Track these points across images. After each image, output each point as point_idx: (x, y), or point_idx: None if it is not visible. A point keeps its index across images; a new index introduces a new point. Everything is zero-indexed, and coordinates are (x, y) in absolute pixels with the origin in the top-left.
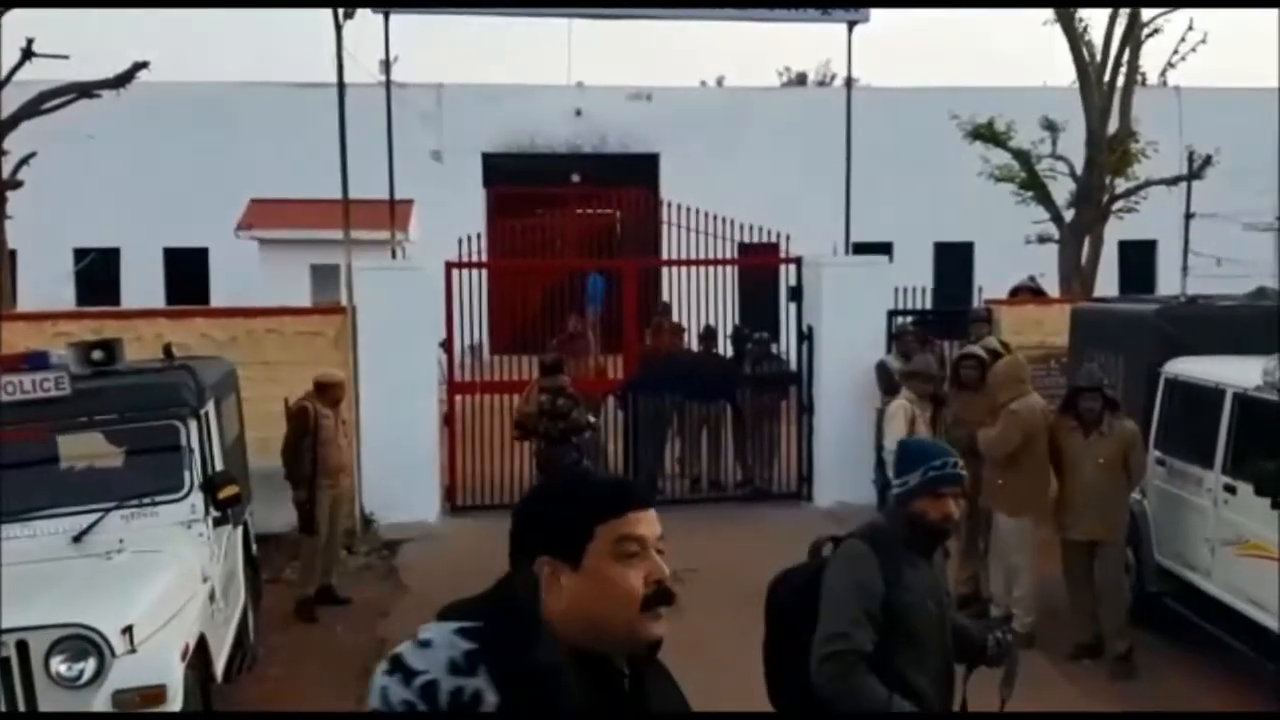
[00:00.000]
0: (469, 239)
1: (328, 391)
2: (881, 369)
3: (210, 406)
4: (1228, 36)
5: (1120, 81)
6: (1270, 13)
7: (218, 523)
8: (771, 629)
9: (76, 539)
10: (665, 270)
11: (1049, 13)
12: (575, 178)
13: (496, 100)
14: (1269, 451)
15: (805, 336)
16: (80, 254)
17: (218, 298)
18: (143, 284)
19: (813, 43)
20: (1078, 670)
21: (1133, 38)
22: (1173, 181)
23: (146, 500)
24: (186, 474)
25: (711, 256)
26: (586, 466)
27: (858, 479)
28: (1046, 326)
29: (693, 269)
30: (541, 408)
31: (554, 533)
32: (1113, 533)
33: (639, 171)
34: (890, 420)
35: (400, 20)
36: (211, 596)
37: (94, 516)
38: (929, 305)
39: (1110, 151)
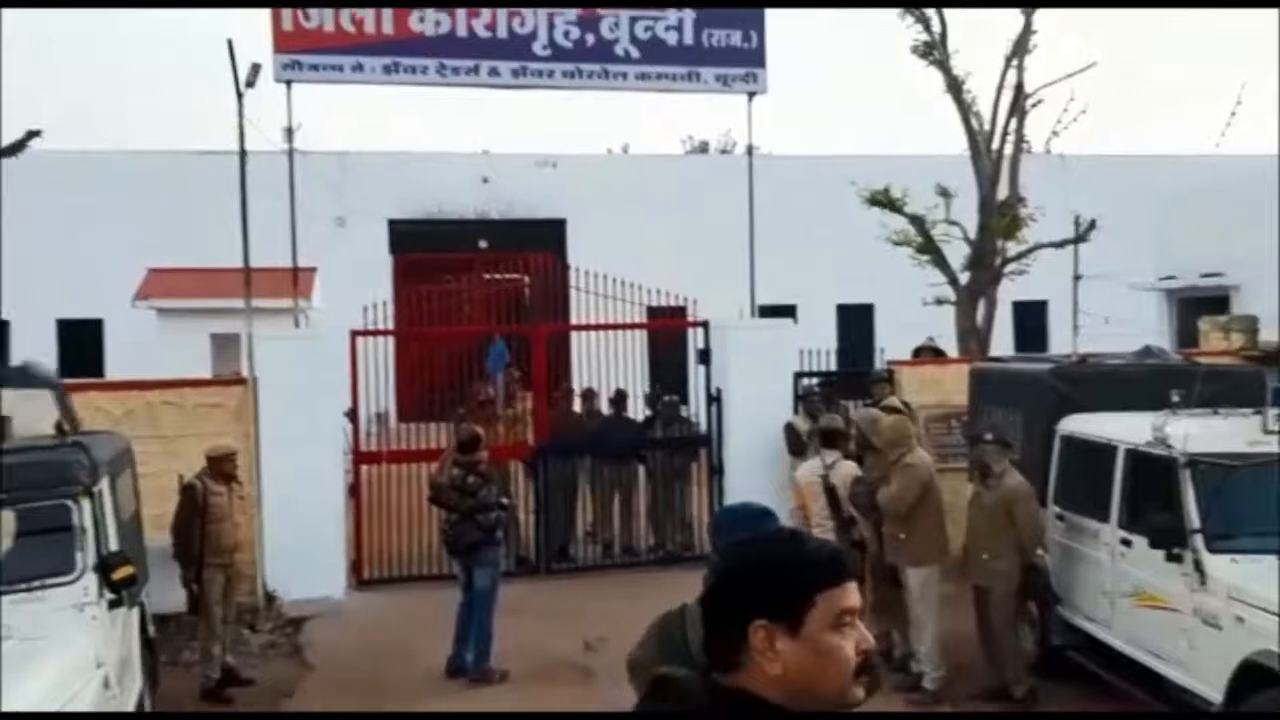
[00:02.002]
0: (374, 306)
1: (219, 464)
2: (789, 430)
3: (104, 484)
4: (1106, 107)
5: (1008, 150)
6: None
7: (112, 605)
8: None
9: None
10: (574, 335)
11: (941, 83)
12: (483, 244)
13: (402, 167)
14: (1161, 505)
15: (714, 398)
16: None
17: (114, 370)
18: (34, 357)
19: (715, 112)
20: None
21: (1018, 109)
22: (1060, 245)
23: (35, 584)
24: (78, 555)
25: (620, 320)
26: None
27: None
28: (946, 386)
29: (602, 333)
30: (453, 482)
31: (774, 596)
32: (995, 580)
33: (546, 237)
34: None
35: (305, 89)
36: (106, 683)
37: None
38: (833, 366)
39: (1000, 217)
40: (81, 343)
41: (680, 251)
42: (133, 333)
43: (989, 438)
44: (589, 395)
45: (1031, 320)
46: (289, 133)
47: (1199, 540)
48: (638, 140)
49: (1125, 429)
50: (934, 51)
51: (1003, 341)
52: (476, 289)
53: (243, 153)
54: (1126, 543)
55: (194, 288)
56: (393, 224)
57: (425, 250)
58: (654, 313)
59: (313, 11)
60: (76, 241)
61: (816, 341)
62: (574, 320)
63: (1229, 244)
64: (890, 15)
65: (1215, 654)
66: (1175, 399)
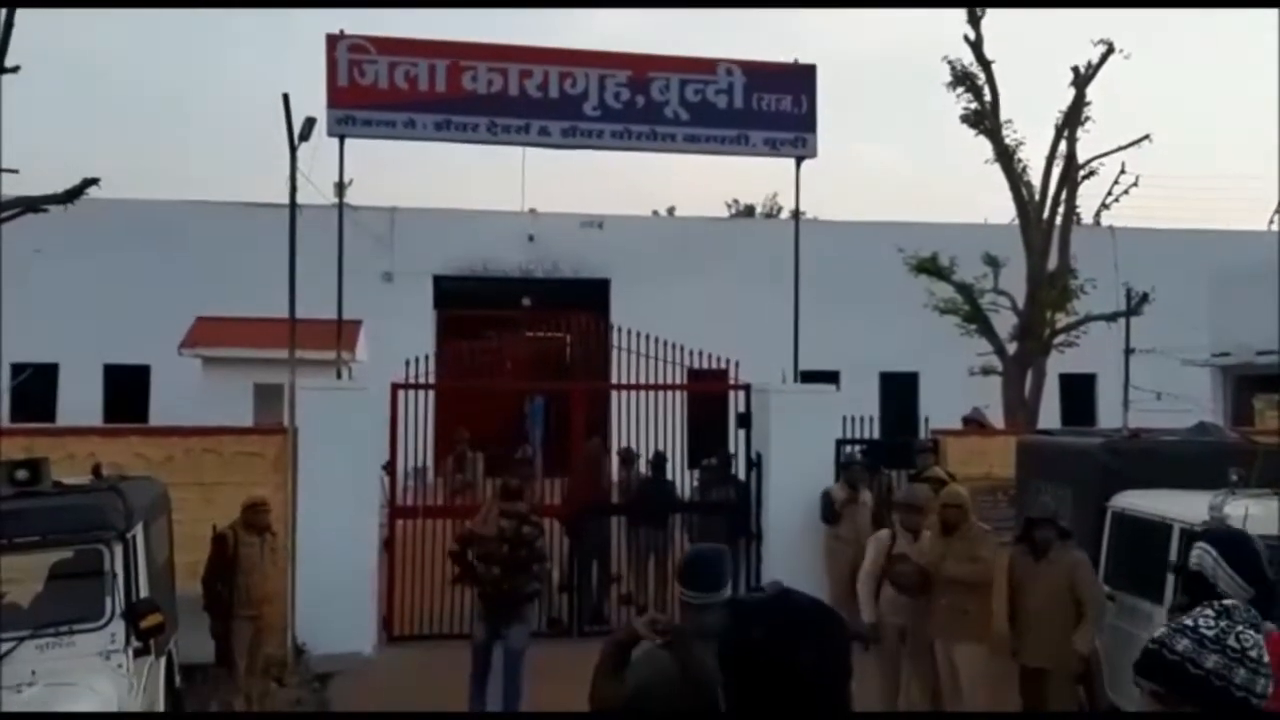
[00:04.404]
0: (416, 360)
1: (251, 514)
2: (825, 498)
3: (138, 529)
4: (1158, 180)
5: (1058, 221)
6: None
7: (139, 653)
8: None
9: None
10: (614, 395)
11: (989, 152)
12: (526, 301)
13: (449, 225)
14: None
15: (754, 464)
16: (17, 369)
17: (158, 416)
18: (81, 401)
19: (762, 176)
20: None
21: (1069, 179)
22: (1111, 317)
23: (64, 629)
24: (108, 601)
25: (660, 381)
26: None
27: None
28: (992, 457)
29: (642, 393)
30: (503, 533)
31: None
32: (1059, 662)
33: (590, 297)
34: (868, 547)
35: (356, 145)
36: None
37: (6, 646)
38: (876, 434)
39: (1050, 287)
40: (128, 388)
41: (723, 314)
42: (178, 380)
43: (1048, 517)
44: (628, 457)
45: (1079, 394)
46: (340, 187)
47: None
48: (683, 203)
49: (1180, 507)
50: (984, 121)
51: (1050, 414)
52: (518, 346)
53: (293, 206)
54: None
55: (240, 337)
56: (438, 280)
57: (470, 306)
58: (695, 375)
59: (368, 68)
60: (128, 288)
61: (860, 409)
62: (614, 380)
63: None
64: (944, 78)
65: None
66: (1234, 478)
